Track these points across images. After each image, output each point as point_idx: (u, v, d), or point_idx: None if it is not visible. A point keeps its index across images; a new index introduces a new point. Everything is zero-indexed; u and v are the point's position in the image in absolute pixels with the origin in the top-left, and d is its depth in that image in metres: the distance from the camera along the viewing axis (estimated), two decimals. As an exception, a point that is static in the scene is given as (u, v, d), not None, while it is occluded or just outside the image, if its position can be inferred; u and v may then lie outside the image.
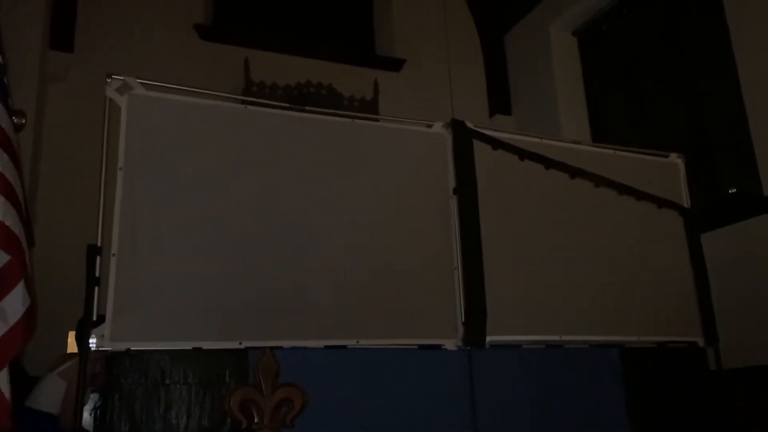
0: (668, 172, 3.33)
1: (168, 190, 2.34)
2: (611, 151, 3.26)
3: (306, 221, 2.52)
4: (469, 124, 2.86)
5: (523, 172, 2.93)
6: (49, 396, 2.16)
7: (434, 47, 5.36)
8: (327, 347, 2.41)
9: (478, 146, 2.84)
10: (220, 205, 2.41)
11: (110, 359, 2.15)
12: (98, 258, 2.17)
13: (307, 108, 2.71)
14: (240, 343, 2.27)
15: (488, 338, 2.59)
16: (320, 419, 2.24)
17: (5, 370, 1.80)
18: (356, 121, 2.79)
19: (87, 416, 2.37)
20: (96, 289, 2.15)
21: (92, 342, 2.09)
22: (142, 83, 2.39)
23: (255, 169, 2.50)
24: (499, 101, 5.85)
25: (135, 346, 2.16)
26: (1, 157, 1.87)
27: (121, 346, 2.14)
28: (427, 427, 2.43)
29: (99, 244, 2.20)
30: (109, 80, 2.35)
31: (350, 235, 2.57)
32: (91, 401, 2.40)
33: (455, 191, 2.76)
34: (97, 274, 2.16)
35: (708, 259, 3.20)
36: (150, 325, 2.19)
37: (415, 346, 2.56)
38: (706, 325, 3.06)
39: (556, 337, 2.78)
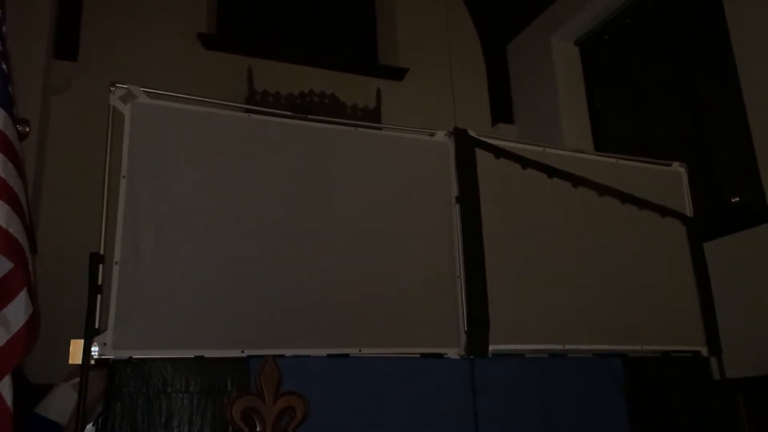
0: (671, 181, 3.32)
1: (171, 198, 2.34)
2: (614, 160, 3.26)
3: (308, 229, 2.51)
4: (472, 133, 2.87)
5: (526, 181, 2.93)
6: (59, 406, 2.15)
7: (437, 56, 5.37)
8: (329, 356, 2.40)
9: (481, 155, 2.84)
10: (222, 214, 2.41)
11: (112, 368, 2.15)
12: (101, 266, 2.18)
13: (309, 116, 2.72)
14: (242, 352, 2.27)
15: (491, 347, 2.58)
16: (322, 428, 2.23)
17: (8, 378, 1.80)
18: (359, 129, 2.79)
19: (90, 427, 2.36)
20: (98, 297, 2.15)
21: (94, 350, 2.09)
22: (145, 92, 2.40)
23: (257, 178, 2.50)
24: (502, 110, 5.86)
25: (137, 355, 2.16)
26: (5, 166, 1.87)
27: (124, 355, 2.14)
28: (430, 437, 2.42)
29: (102, 252, 2.20)
30: (112, 88, 2.36)
31: (352, 243, 2.57)
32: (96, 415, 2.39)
33: (458, 200, 2.76)
34: (99, 282, 2.16)
35: (711, 268, 3.19)
36: (152, 333, 2.19)
37: (418, 355, 2.56)
38: (709, 334, 3.05)
39: (559, 346, 2.77)
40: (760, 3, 3.85)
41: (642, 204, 3.12)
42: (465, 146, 2.82)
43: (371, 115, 4.99)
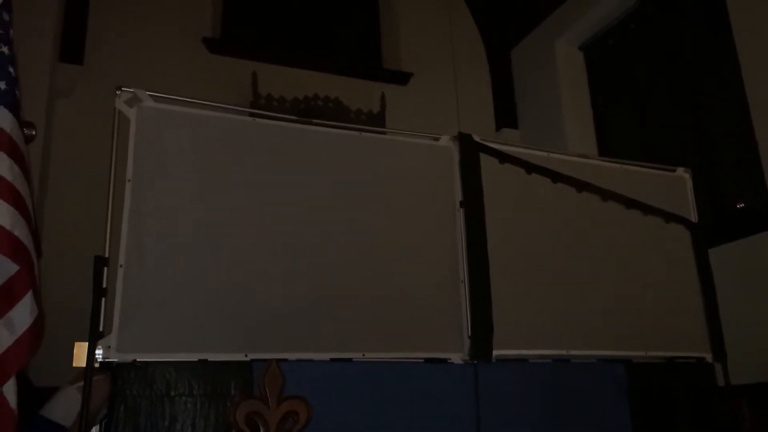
0: (675, 187, 3.32)
1: (175, 201, 2.35)
2: (618, 165, 3.26)
3: (311, 234, 2.52)
4: (476, 138, 2.87)
5: (530, 186, 2.93)
6: (64, 408, 2.15)
7: (441, 61, 5.39)
8: (332, 360, 2.40)
9: (485, 160, 2.85)
10: (226, 218, 2.41)
11: (115, 371, 2.15)
12: (105, 269, 2.18)
13: (314, 121, 2.72)
14: (245, 355, 2.27)
15: (495, 352, 2.57)
16: (325, 432, 2.23)
17: (12, 380, 1.80)
18: (363, 134, 2.80)
19: (95, 430, 2.36)
20: (103, 300, 2.15)
21: (99, 353, 2.10)
22: (151, 95, 2.41)
23: (261, 182, 2.50)
24: (506, 115, 5.87)
25: (141, 358, 2.16)
26: (12, 169, 1.88)
27: (128, 358, 2.14)
28: (433, 442, 2.42)
29: (106, 255, 2.20)
30: (118, 92, 2.36)
31: (356, 247, 2.57)
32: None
33: (462, 204, 2.76)
34: (104, 285, 2.16)
35: (716, 274, 3.18)
36: (156, 336, 2.20)
37: (421, 360, 2.55)
38: (714, 340, 3.03)
39: (563, 352, 2.76)
40: (765, 8, 3.85)
41: (646, 209, 3.12)
42: (469, 151, 2.82)
43: (375, 120, 5.00)
